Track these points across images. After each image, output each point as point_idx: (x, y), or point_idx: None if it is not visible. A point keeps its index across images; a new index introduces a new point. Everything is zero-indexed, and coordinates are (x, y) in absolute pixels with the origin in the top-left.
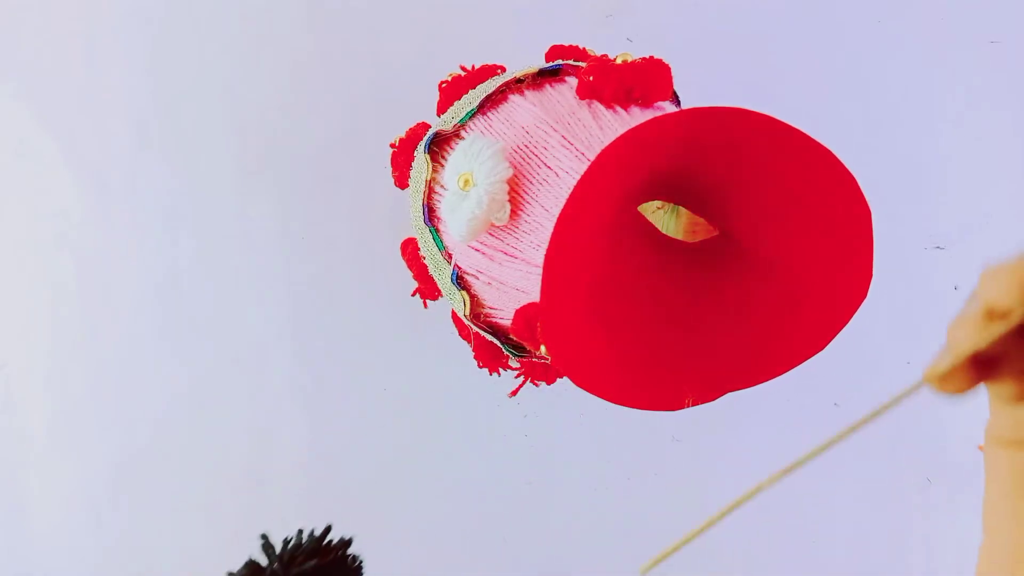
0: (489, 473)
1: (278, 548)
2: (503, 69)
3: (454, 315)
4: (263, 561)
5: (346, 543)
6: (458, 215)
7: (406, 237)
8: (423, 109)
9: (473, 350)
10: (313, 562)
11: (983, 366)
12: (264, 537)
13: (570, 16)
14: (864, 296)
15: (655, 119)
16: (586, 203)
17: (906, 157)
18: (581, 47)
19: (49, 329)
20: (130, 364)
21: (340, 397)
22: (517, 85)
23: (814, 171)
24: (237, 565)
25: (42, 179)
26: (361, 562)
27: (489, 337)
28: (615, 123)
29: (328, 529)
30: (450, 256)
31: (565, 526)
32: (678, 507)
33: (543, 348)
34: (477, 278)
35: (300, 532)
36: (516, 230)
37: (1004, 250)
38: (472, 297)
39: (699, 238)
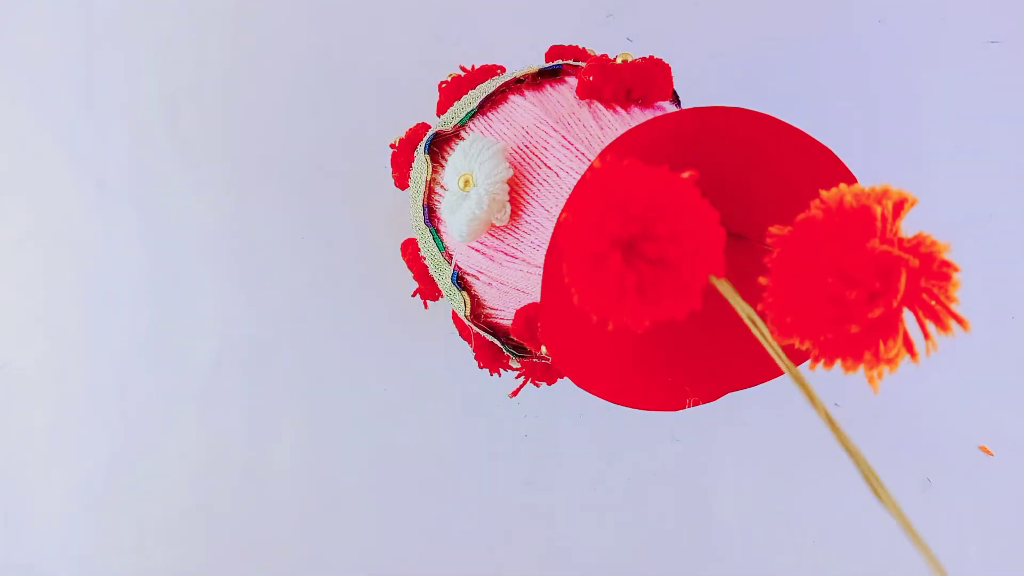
0: (489, 473)
1: None
2: (503, 69)
3: (454, 315)
4: None
5: None
6: (458, 215)
7: (406, 238)
8: (423, 109)
9: (473, 350)
10: None
11: None
12: None
13: (570, 16)
14: None
15: (655, 119)
16: None
17: (906, 157)
18: (581, 47)
19: (49, 329)
20: (130, 364)
21: (340, 397)
22: (517, 85)
23: (815, 170)
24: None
25: (42, 179)
26: None
27: (489, 337)
28: (615, 123)
29: None
30: (450, 256)
31: (565, 526)
32: (678, 507)
33: (543, 348)
34: (477, 278)
35: None
36: (516, 230)
37: (1004, 250)
38: (472, 297)
39: None
